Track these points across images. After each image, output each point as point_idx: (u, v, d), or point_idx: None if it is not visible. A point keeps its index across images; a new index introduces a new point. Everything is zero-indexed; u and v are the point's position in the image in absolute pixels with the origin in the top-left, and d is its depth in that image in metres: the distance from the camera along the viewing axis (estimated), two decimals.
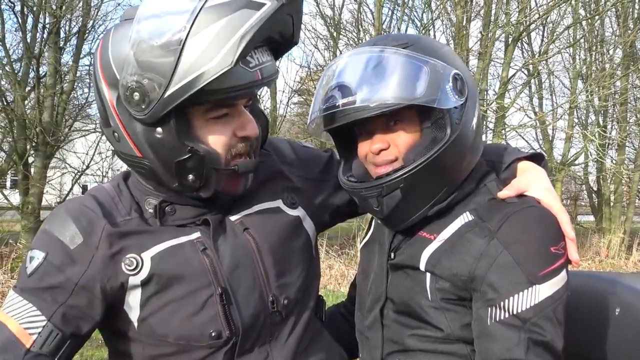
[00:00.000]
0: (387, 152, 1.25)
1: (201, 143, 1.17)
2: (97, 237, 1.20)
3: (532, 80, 12.75)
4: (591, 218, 14.87)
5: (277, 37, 1.19)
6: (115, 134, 1.19)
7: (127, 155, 1.21)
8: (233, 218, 1.31)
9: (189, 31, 1.06)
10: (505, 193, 1.25)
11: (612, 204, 13.28)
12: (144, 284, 1.21)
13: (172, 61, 1.06)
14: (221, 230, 1.28)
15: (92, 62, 1.24)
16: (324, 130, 1.31)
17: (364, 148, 1.28)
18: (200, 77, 1.06)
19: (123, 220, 1.24)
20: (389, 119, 1.24)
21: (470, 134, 1.25)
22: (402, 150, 1.24)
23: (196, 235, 1.26)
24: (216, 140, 1.19)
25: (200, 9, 1.06)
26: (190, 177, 1.18)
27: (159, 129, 1.14)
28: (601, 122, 12.96)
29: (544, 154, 1.42)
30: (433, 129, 1.23)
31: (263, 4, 1.06)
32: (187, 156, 1.15)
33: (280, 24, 1.15)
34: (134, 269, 1.20)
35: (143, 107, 1.11)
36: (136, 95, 1.11)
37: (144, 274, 1.20)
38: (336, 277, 8.60)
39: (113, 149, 1.26)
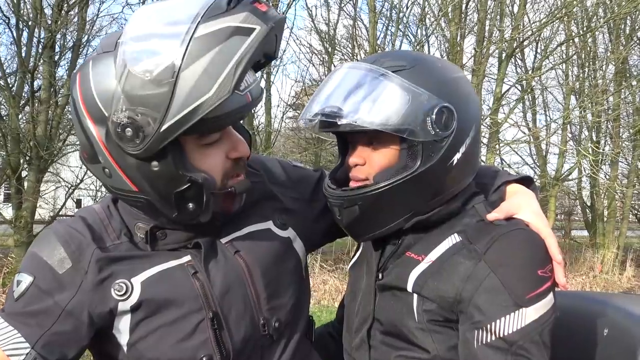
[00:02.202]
0: (360, 170, 1.27)
1: (198, 170, 1.15)
2: (86, 262, 1.19)
3: (526, 96, 12.83)
4: (585, 233, 14.90)
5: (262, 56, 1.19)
6: (106, 169, 1.16)
7: (121, 190, 1.18)
8: (224, 240, 1.29)
9: (182, 63, 1.03)
10: (494, 215, 1.25)
11: (605, 219, 13.31)
12: (134, 309, 1.19)
13: (166, 95, 1.04)
14: (212, 253, 1.27)
15: (70, 98, 1.22)
16: (314, 133, 1.34)
17: (348, 158, 1.31)
18: (198, 108, 1.04)
19: (113, 245, 1.23)
20: (370, 137, 1.25)
21: (446, 168, 1.23)
22: (374, 170, 1.25)
23: (186, 258, 1.24)
24: (212, 165, 1.17)
25: (190, 39, 1.04)
26: (191, 205, 1.16)
27: (155, 162, 1.11)
28: (594, 138, 13.03)
29: (533, 177, 1.42)
30: (408, 157, 1.23)
31: (253, 29, 1.06)
32: (186, 186, 1.13)
33: (268, 45, 1.14)
34: (123, 295, 1.18)
35: (137, 142, 1.07)
36: (129, 131, 1.07)
37: (133, 299, 1.19)
38: (330, 292, 8.58)
39: (102, 184, 1.23)
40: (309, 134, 11.92)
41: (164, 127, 1.05)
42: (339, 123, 1.20)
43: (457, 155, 1.24)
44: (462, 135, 1.24)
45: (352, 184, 1.28)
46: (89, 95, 1.11)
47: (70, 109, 1.21)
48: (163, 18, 1.08)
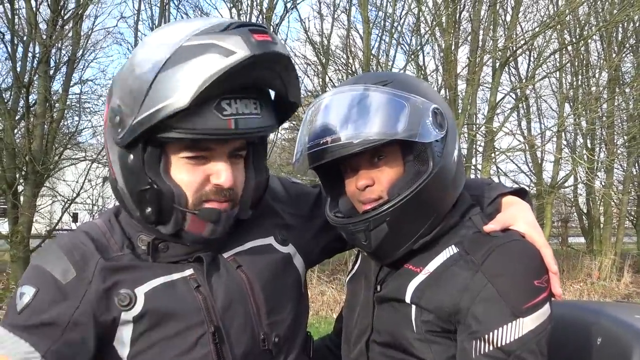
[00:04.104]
0: (372, 190, 1.26)
1: (168, 180, 1.17)
2: (90, 271, 1.19)
3: (520, 104, 12.87)
4: (582, 240, 14.89)
5: (268, 92, 1.22)
6: (107, 159, 1.23)
7: (111, 179, 1.24)
8: (226, 255, 1.30)
9: (163, 65, 1.09)
10: (490, 227, 1.27)
11: (602, 226, 13.31)
12: (136, 320, 1.20)
13: (144, 91, 1.10)
14: (214, 268, 1.27)
15: None
16: (309, 168, 1.32)
17: (351, 185, 1.30)
18: (159, 111, 1.09)
19: (116, 256, 1.23)
20: (372, 155, 1.25)
21: (452, 166, 1.27)
22: (386, 186, 1.26)
23: (189, 272, 1.25)
24: (185, 181, 1.18)
25: (179, 47, 1.09)
26: (149, 209, 1.19)
27: (131, 156, 1.16)
28: (589, 145, 13.07)
29: (527, 188, 1.44)
30: (416, 163, 1.25)
31: (233, 53, 1.07)
32: (146, 187, 1.17)
33: (264, 79, 1.17)
34: (127, 305, 1.19)
35: (119, 130, 1.15)
36: (116, 118, 1.15)
37: (137, 310, 1.19)
38: (328, 303, 8.56)
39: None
40: None
41: (136, 120, 1.11)
42: (355, 142, 1.19)
43: (455, 152, 1.29)
44: (453, 133, 1.29)
45: (367, 206, 1.27)
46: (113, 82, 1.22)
47: None
48: (176, 29, 1.14)
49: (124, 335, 1.20)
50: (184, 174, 1.18)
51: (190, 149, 1.17)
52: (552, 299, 1.23)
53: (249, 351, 1.25)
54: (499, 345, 1.14)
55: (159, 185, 1.16)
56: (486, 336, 1.15)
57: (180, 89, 1.07)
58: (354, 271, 1.49)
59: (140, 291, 1.20)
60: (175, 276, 1.24)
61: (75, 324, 1.17)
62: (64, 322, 1.16)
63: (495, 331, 1.15)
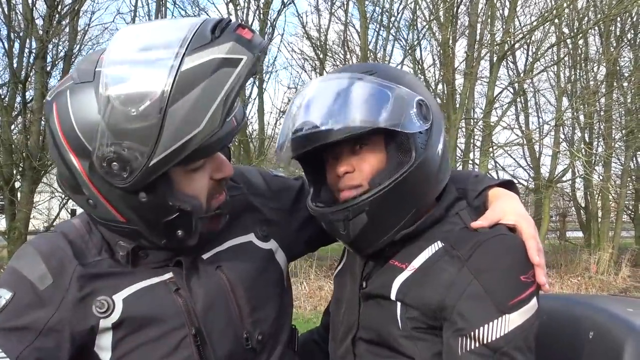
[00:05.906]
0: (351, 177, 1.25)
1: (185, 197, 1.14)
2: (67, 278, 1.17)
3: (518, 98, 12.87)
4: (580, 234, 14.91)
5: None
6: (90, 201, 1.14)
7: (107, 219, 1.16)
8: (205, 256, 1.28)
9: (169, 98, 1.01)
10: (478, 223, 1.25)
11: (600, 220, 13.33)
12: (115, 326, 1.18)
13: (154, 129, 1.01)
14: (194, 270, 1.26)
15: (47, 128, 1.15)
16: (292, 158, 1.30)
17: (332, 173, 1.29)
18: (189, 142, 1.03)
19: (94, 261, 1.21)
20: (355, 143, 1.24)
21: (436, 159, 1.26)
22: (367, 175, 1.24)
23: (168, 275, 1.23)
24: (198, 190, 1.16)
25: (177, 73, 1.01)
26: (180, 232, 1.16)
27: (143, 194, 1.09)
28: (587, 139, 13.07)
29: (514, 180, 1.43)
30: (399, 153, 1.24)
31: (239, 60, 1.04)
32: (174, 215, 1.13)
33: (254, 70, 1.14)
34: (105, 312, 1.17)
35: (125, 176, 1.05)
36: (115, 166, 1.05)
37: (115, 316, 1.17)
38: (326, 298, 8.56)
39: (85, 212, 1.22)
40: None
41: (153, 161, 1.04)
42: (335, 130, 1.18)
43: (440, 146, 1.27)
44: (438, 126, 1.27)
45: (346, 194, 1.26)
46: (69, 127, 1.07)
47: (48, 139, 1.19)
48: (145, 49, 1.05)
49: (104, 342, 1.19)
50: (193, 183, 1.16)
51: (196, 160, 1.13)
52: (540, 292, 1.21)
53: (232, 351, 1.24)
54: (485, 342, 1.13)
55: (187, 207, 1.13)
56: (472, 333, 1.14)
57: (205, 114, 1.02)
58: (340, 266, 1.48)
59: (119, 297, 1.19)
60: (155, 280, 1.22)
61: (49, 331, 1.15)
62: (39, 328, 1.14)
63: (481, 328, 1.14)
